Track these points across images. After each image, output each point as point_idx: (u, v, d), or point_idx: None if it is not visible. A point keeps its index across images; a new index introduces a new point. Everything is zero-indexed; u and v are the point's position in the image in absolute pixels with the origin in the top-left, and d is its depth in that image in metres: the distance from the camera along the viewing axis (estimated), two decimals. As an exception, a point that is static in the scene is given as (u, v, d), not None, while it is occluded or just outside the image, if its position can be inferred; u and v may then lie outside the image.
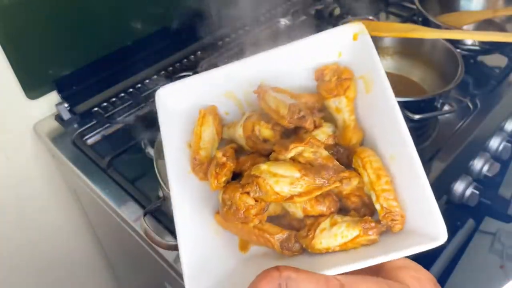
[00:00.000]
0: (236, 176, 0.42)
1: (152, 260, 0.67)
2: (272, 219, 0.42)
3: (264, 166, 0.39)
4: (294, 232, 0.40)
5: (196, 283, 0.37)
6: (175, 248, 0.59)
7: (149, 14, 0.92)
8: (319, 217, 0.40)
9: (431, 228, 0.36)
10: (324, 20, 1.07)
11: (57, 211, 1.00)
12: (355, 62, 0.44)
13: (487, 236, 1.24)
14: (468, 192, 0.77)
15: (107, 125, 0.84)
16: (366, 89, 0.43)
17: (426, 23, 0.92)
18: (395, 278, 0.35)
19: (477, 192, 0.78)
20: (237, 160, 0.43)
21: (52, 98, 0.86)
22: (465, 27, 0.96)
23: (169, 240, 0.63)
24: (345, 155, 0.43)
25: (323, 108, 0.45)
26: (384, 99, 0.41)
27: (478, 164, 0.81)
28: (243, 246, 0.42)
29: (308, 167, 0.39)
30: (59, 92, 0.84)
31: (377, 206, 0.38)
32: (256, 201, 0.39)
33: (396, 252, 0.35)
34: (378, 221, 0.38)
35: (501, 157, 0.86)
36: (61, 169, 0.89)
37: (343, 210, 0.41)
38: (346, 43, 0.44)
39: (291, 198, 0.39)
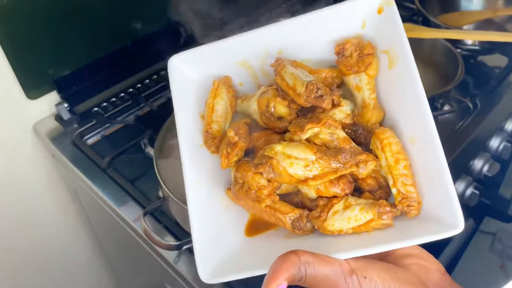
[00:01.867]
0: (249, 152, 0.41)
1: (152, 260, 0.67)
2: (285, 196, 0.41)
3: (278, 147, 0.38)
4: (306, 212, 0.39)
5: (205, 259, 0.37)
6: (175, 248, 0.58)
7: (149, 14, 0.92)
8: (332, 198, 0.38)
9: (448, 216, 0.34)
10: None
11: (57, 211, 1.00)
12: (379, 35, 0.41)
13: (487, 236, 1.24)
14: (468, 192, 0.77)
15: (107, 125, 0.84)
16: (390, 65, 0.40)
17: (426, 23, 0.92)
18: (401, 264, 0.35)
19: (477, 192, 0.78)
20: (250, 136, 0.42)
21: (52, 98, 0.86)
22: (465, 27, 0.96)
23: (169, 240, 0.63)
24: (363, 135, 0.41)
25: (342, 84, 0.43)
26: (407, 77, 0.38)
27: (478, 164, 0.81)
28: (250, 231, 0.41)
29: (324, 149, 0.38)
30: (59, 92, 0.84)
31: (394, 191, 0.37)
32: (268, 181, 0.38)
33: (409, 240, 0.34)
34: (393, 205, 0.37)
35: (501, 157, 0.86)
36: (61, 169, 0.89)
37: (357, 191, 0.39)
38: (371, 14, 0.41)
39: (305, 181, 0.37)
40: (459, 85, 0.76)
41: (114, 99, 0.89)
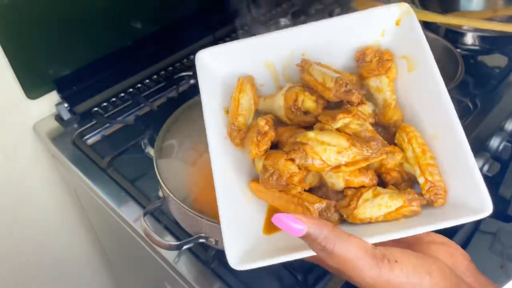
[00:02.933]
0: (272, 147, 0.42)
1: (152, 260, 0.67)
2: (308, 190, 0.42)
3: (311, 134, 0.39)
4: (334, 202, 0.40)
5: (234, 246, 0.38)
6: (175, 248, 0.59)
7: (149, 14, 0.92)
8: (360, 188, 0.39)
9: (475, 201, 0.35)
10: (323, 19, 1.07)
11: (57, 211, 1.00)
12: (398, 42, 0.43)
13: (487, 236, 1.24)
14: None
15: (107, 125, 0.84)
16: (409, 68, 0.42)
17: (426, 23, 0.92)
18: (429, 252, 0.36)
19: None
20: (275, 130, 0.43)
21: (52, 98, 0.86)
22: (465, 27, 0.96)
23: (169, 240, 0.63)
24: (385, 135, 0.42)
25: (363, 88, 0.45)
26: (429, 78, 0.40)
27: (478, 164, 0.81)
28: (268, 229, 0.41)
29: (356, 137, 0.39)
30: (59, 92, 0.84)
31: (421, 180, 0.38)
32: (299, 169, 0.39)
33: (439, 223, 0.35)
34: (420, 194, 0.38)
35: (501, 157, 0.86)
36: (61, 169, 0.89)
37: (380, 185, 0.40)
38: (390, 23, 0.44)
39: (337, 167, 0.38)
40: (459, 85, 0.76)
41: (114, 99, 0.89)
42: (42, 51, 0.80)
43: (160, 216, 0.67)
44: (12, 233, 0.94)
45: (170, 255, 0.63)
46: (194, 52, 0.98)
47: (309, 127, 0.42)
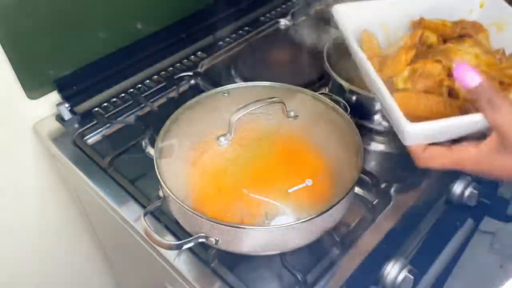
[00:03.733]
0: None
1: (152, 260, 0.68)
2: None
3: (449, 45, 0.50)
4: None
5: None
6: (176, 247, 0.59)
7: (149, 14, 0.92)
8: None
9: None
10: (324, 20, 1.07)
11: (57, 211, 1.00)
12: (484, 17, 0.55)
13: (486, 236, 1.24)
14: (467, 192, 0.77)
15: (108, 125, 0.84)
16: (498, 30, 0.54)
17: (426, 23, 0.92)
18: None
19: (477, 192, 0.78)
20: None
21: (52, 98, 0.86)
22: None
23: (169, 239, 0.63)
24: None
25: None
26: None
27: (478, 164, 0.81)
28: None
29: (485, 50, 0.49)
30: (60, 92, 0.84)
31: None
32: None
33: None
34: None
35: (500, 157, 0.86)
36: (61, 169, 0.89)
37: None
38: (475, 4, 0.56)
39: (476, 67, 0.44)
40: (459, 85, 0.76)
41: (114, 99, 0.89)
42: (42, 51, 0.80)
43: (161, 216, 0.67)
44: (12, 233, 0.94)
45: (170, 255, 0.63)
46: (194, 53, 0.99)
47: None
